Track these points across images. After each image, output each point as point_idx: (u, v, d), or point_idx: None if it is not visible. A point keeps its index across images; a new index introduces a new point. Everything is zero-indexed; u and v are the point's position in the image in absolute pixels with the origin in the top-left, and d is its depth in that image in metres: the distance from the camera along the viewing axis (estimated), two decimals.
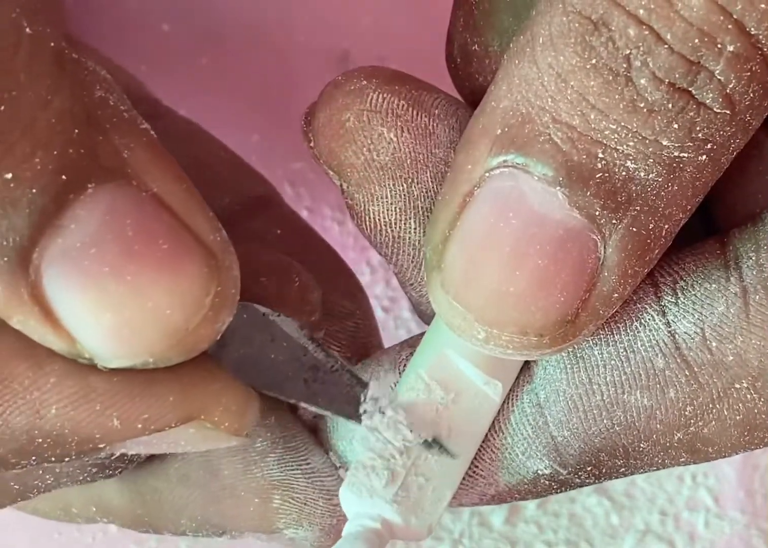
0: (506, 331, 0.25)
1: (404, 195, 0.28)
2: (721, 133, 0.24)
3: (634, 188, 0.24)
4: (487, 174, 0.25)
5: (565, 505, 0.51)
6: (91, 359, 0.23)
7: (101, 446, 0.24)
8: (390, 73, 0.28)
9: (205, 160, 0.35)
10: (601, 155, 0.24)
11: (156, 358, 0.23)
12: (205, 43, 0.49)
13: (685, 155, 0.24)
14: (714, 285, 0.26)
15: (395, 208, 0.28)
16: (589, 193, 0.24)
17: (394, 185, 0.28)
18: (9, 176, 0.21)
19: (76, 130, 0.22)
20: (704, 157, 0.24)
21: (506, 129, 0.24)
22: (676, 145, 0.24)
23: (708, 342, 0.26)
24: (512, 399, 0.28)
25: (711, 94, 0.23)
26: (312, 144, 0.28)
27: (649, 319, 0.26)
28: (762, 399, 0.26)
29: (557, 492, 0.29)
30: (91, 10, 0.48)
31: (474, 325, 0.25)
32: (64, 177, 0.22)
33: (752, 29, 0.23)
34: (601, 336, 0.27)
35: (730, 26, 0.23)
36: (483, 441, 0.28)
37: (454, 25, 0.30)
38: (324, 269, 0.33)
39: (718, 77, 0.23)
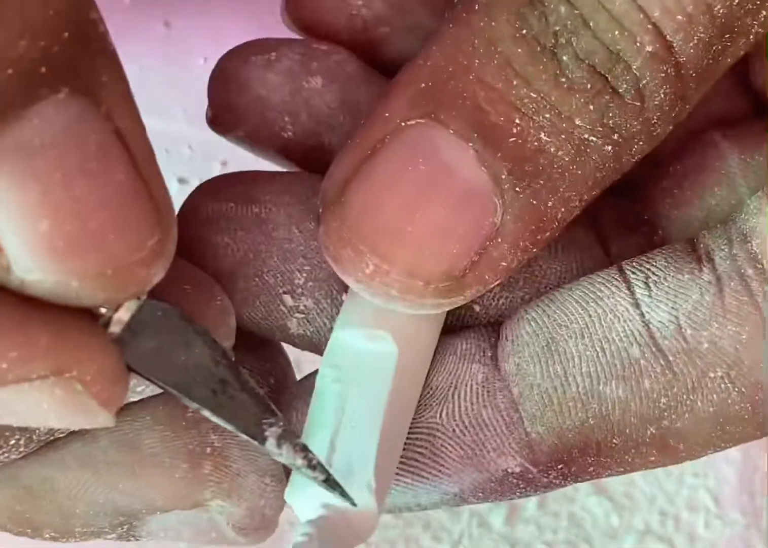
0: (395, 268, 0.25)
1: (260, 287, 0.29)
2: (628, 126, 0.25)
3: (542, 160, 0.25)
4: (402, 123, 0.25)
5: (564, 505, 0.51)
6: (7, 268, 0.21)
7: None
8: (222, 181, 0.30)
9: None
10: (517, 121, 0.25)
11: (81, 284, 0.22)
12: (203, 43, 0.49)
13: (594, 139, 0.25)
14: (687, 276, 0.26)
15: (259, 302, 0.29)
16: (499, 154, 0.25)
17: (247, 284, 0.28)
18: None
19: (66, 34, 0.21)
20: (609, 148, 0.25)
21: (430, 84, 0.25)
22: (588, 127, 0.25)
23: (683, 330, 0.26)
24: (484, 396, 0.28)
25: (625, 85, 0.25)
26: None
27: (623, 310, 0.27)
28: (735, 389, 0.26)
29: (521, 494, 0.28)
30: None
31: (364, 257, 0.25)
32: (42, 70, 0.21)
33: (668, 36, 0.24)
34: (575, 329, 0.27)
35: (649, 27, 0.24)
36: (450, 437, 0.28)
37: None
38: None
39: (635, 72, 0.24)
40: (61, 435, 0.28)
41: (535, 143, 0.25)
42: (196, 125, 0.50)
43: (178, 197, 0.50)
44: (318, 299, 0.29)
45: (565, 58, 0.24)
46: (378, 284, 0.26)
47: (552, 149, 0.25)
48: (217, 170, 0.50)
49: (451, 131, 0.25)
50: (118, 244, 0.22)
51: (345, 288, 0.29)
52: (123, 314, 0.24)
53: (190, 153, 0.50)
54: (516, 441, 0.27)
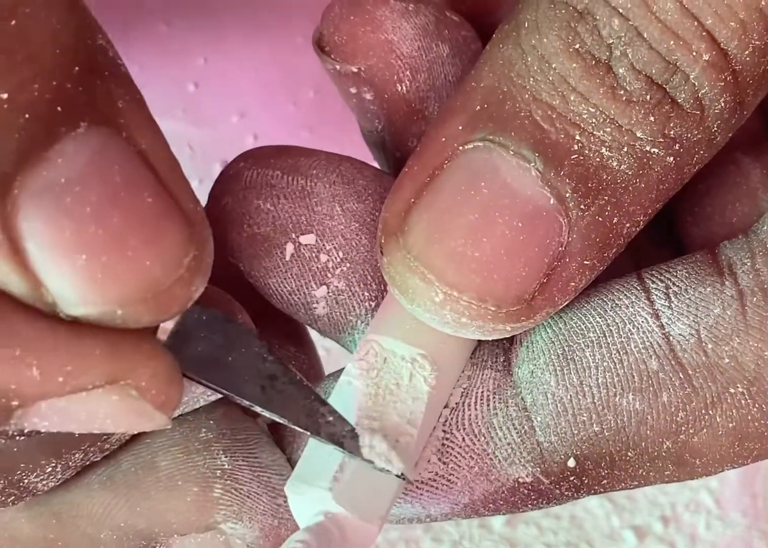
0: (465, 295, 0.25)
1: (294, 259, 0.28)
2: (689, 135, 0.25)
3: (605, 176, 0.24)
4: (460, 148, 0.25)
5: (566, 507, 0.50)
6: (53, 305, 0.22)
7: (14, 404, 0.22)
8: (268, 150, 0.29)
9: None
10: (578, 137, 0.24)
11: (126, 311, 0.22)
12: (203, 43, 0.49)
13: (656, 151, 0.24)
14: (708, 289, 0.26)
15: (290, 274, 0.28)
16: (562, 172, 0.24)
17: (279, 253, 0.28)
18: (5, 96, 0.20)
19: (77, 68, 0.22)
20: (671, 159, 0.25)
21: (485, 106, 0.25)
22: (649, 139, 0.24)
23: (703, 344, 0.26)
24: (494, 404, 0.27)
25: (684, 95, 0.24)
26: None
27: (642, 321, 0.26)
28: (756, 405, 0.26)
29: (533, 506, 0.28)
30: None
31: (433, 286, 0.25)
32: (59, 109, 0.21)
33: (722, 43, 0.24)
34: (592, 338, 0.26)
35: (704, 34, 0.24)
36: (460, 447, 0.27)
37: None
38: (270, 314, 0.31)
39: (693, 81, 0.24)
40: (96, 459, 0.28)
41: (597, 159, 0.24)
42: (196, 125, 0.50)
43: None
44: (351, 282, 0.28)
45: (621, 70, 0.24)
46: (448, 312, 0.25)
47: (614, 164, 0.24)
48: (217, 170, 0.49)
49: (511, 152, 0.24)
50: (154, 268, 0.22)
51: (378, 274, 0.28)
52: (168, 323, 0.25)
53: (190, 153, 0.50)
54: (528, 451, 0.27)
